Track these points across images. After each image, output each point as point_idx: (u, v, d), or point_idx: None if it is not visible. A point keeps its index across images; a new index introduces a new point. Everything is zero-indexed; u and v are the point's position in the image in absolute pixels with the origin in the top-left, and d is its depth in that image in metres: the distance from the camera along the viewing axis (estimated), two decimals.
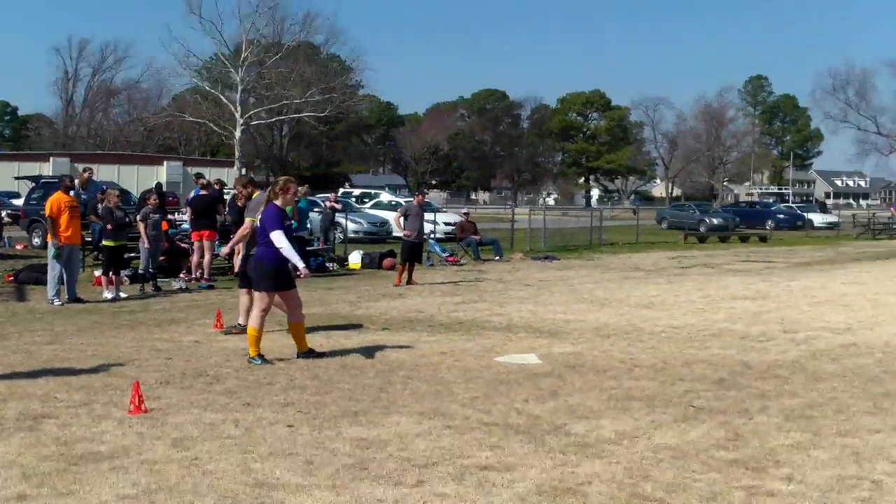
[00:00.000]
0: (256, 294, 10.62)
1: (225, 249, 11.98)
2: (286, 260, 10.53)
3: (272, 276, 10.47)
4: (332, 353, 11.00)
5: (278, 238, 10.32)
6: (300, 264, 10.57)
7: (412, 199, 22.20)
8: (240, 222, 20.64)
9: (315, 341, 11.96)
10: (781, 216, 57.61)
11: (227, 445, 6.92)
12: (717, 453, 6.81)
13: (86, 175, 23.06)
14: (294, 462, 6.50)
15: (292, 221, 11.21)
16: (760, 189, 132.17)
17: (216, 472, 6.26)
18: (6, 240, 28.26)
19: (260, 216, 10.67)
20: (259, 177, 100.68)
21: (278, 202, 10.63)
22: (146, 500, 5.66)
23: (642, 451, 6.87)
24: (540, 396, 8.75)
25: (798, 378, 9.75)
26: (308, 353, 10.75)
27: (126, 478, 6.11)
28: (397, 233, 21.65)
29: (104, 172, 55.49)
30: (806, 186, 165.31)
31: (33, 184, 33.42)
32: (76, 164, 47.77)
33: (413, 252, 20.31)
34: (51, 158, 62.42)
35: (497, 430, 7.43)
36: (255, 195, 12.93)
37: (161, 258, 19.75)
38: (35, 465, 6.37)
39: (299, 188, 23.78)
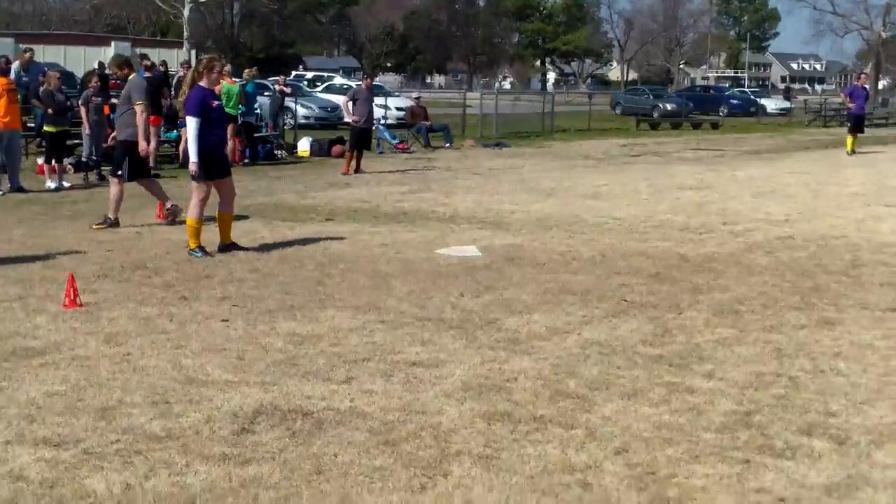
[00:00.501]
0: (193, 183, 10.48)
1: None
2: (220, 145, 10.42)
3: (205, 164, 10.30)
4: (274, 245, 11.01)
5: (190, 124, 10.16)
6: (193, 158, 10.21)
7: (361, 83, 21.84)
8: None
9: (258, 232, 12.00)
10: (735, 102, 57.64)
11: (161, 341, 6.96)
12: (644, 349, 6.96)
13: (27, 56, 22.54)
14: (226, 358, 6.56)
15: (220, 103, 10.97)
16: (717, 73, 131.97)
17: (147, 368, 6.31)
18: None
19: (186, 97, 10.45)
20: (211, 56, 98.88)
21: (203, 83, 10.39)
22: (74, 397, 5.71)
23: (570, 346, 7.00)
24: (476, 290, 8.84)
25: (732, 271, 9.91)
26: (229, 247, 10.64)
27: (56, 374, 6.15)
28: (348, 119, 21.44)
29: (49, 53, 54.16)
30: (762, 70, 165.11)
31: None
32: (20, 45, 46.59)
33: (361, 139, 20.10)
34: None
35: (430, 325, 7.53)
36: (130, 77, 12.57)
37: (105, 144, 19.48)
38: None
39: (248, 70, 23.61)
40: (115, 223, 12.17)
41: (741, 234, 12.45)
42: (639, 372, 6.40)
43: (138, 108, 11.90)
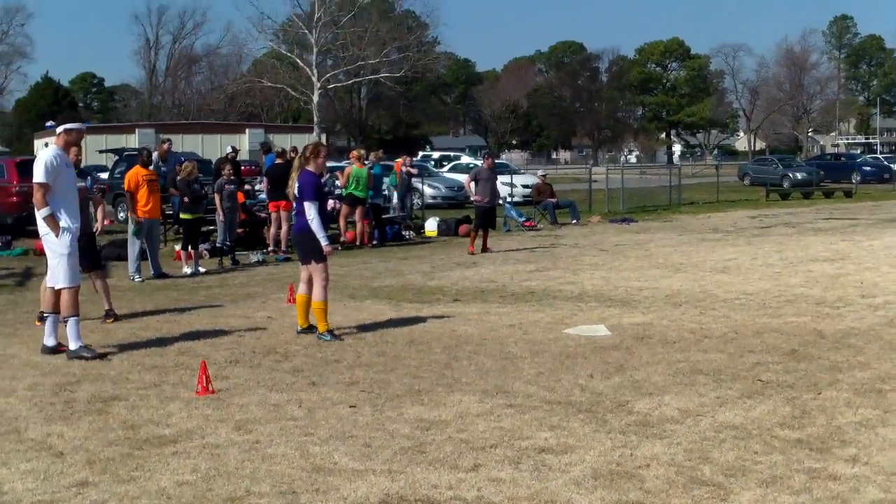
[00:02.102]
0: (315, 267, 10.60)
1: None
2: (325, 227, 10.59)
3: (319, 246, 10.48)
4: (401, 328, 11.04)
5: (310, 208, 10.36)
6: (324, 241, 10.43)
7: (483, 163, 21.93)
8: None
9: (385, 315, 12.06)
10: (868, 168, 56.07)
11: (289, 428, 7.00)
12: (782, 432, 6.69)
13: (165, 147, 23.36)
14: (353, 445, 6.55)
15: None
16: (847, 139, 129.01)
17: (275, 456, 6.34)
18: (93, 214, 28.84)
19: (298, 184, 10.64)
20: (340, 142, 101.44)
21: (310, 168, 10.62)
22: (204, 487, 5.76)
23: (704, 430, 6.78)
24: (605, 371, 8.68)
25: (872, 347, 9.52)
26: (307, 330, 10.74)
27: (187, 463, 6.22)
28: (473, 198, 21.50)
29: (188, 142, 56.32)
30: (894, 135, 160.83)
31: (116, 157, 34.00)
32: (161, 135, 48.52)
33: (486, 218, 20.17)
34: (136, 130, 63.41)
35: (559, 409, 7.40)
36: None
37: (239, 230, 20.03)
38: (100, 450, 6.52)
39: (374, 153, 24.01)
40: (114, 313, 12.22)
41: (881, 307, 11.98)
42: (777, 457, 6.14)
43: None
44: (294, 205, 11.03)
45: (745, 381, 8.23)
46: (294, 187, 10.68)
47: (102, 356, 9.53)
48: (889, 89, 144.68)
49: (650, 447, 6.40)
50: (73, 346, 9.59)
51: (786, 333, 10.34)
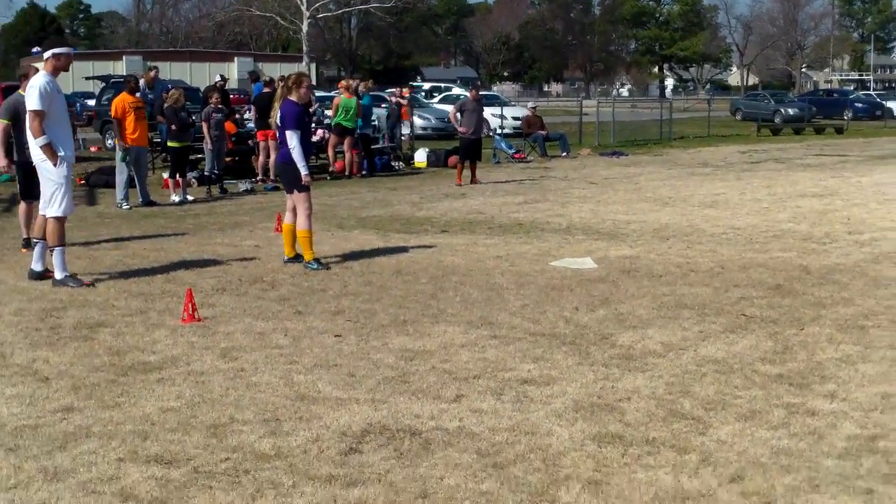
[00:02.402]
0: (298, 196, 10.57)
1: None
2: (308, 155, 10.54)
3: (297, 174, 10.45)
4: (388, 258, 11.05)
5: (291, 136, 10.30)
6: (304, 171, 10.40)
7: (467, 94, 21.68)
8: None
9: (373, 244, 12.06)
10: (860, 105, 55.92)
11: (274, 356, 7.02)
12: (763, 367, 6.74)
13: (152, 74, 23.13)
14: (337, 374, 6.58)
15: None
16: (840, 76, 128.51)
17: (260, 384, 6.37)
18: (80, 141, 28.67)
19: (279, 113, 10.56)
20: (330, 72, 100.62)
21: (293, 97, 10.53)
22: (188, 413, 5.79)
23: (686, 364, 6.82)
24: (591, 304, 8.72)
25: (857, 284, 9.56)
26: (294, 259, 10.75)
27: (172, 389, 6.24)
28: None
29: (176, 70, 55.84)
30: (889, 72, 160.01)
31: (103, 84, 33.68)
32: (148, 62, 48.03)
33: (471, 149, 20.04)
34: (123, 57, 62.83)
35: (542, 341, 7.43)
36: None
37: (228, 159, 19.91)
38: (85, 375, 6.54)
39: (364, 83, 23.83)
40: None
41: (867, 243, 12.02)
42: (757, 392, 6.19)
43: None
44: (277, 134, 10.97)
45: (728, 315, 8.27)
46: (276, 117, 10.61)
47: (88, 285, 9.51)
48: (883, 26, 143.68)
49: (632, 380, 6.44)
50: (58, 275, 9.55)
51: (771, 269, 10.37)
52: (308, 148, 10.70)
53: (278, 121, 10.53)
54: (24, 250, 11.46)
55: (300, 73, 10.96)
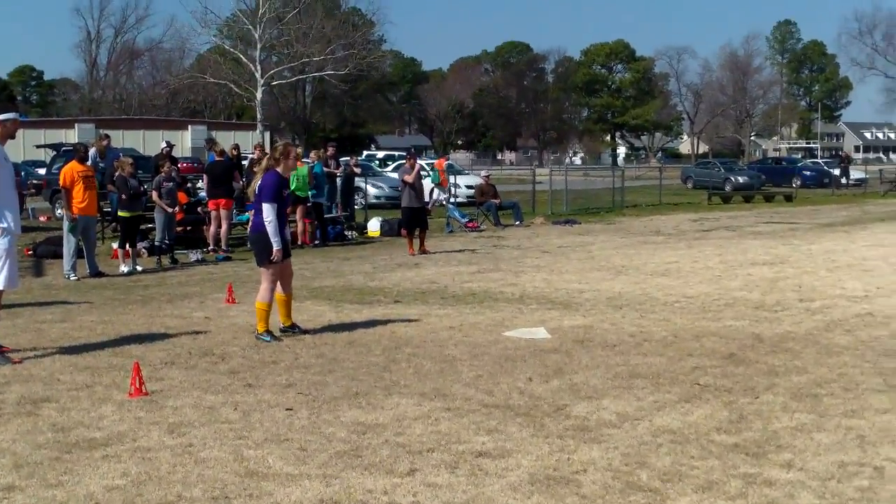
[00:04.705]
0: (264, 269, 10.45)
1: None
2: (283, 228, 10.42)
3: (270, 248, 10.29)
4: (341, 329, 10.95)
5: (268, 210, 10.18)
6: (276, 245, 10.23)
7: (405, 163, 21.53)
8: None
9: (324, 316, 11.95)
10: (808, 173, 56.89)
11: (223, 431, 6.87)
12: (719, 437, 6.70)
13: (103, 142, 22.94)
14: (288, 449, 6.44)
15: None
16: (788, 144, 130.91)
17: (208, 459, 6.22)
18: (29, 211, 28.37)
19: (260, 181, 10.45)
20: (284, 140, 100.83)
21: (279, 169, 10.45)
22: (134, 492, 5.62)
23: (642, 434, 6.77)
24: (545, 374, 8.66)
25: (809, 352, 9.60)
26: (291, 328, 10.66)
27: (117, 467, 6.07)
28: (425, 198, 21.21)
29: (129, 138, 55.66)
30: (835, 140, 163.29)
31: (54, 152, 33.44)
32: (101, 130, 47.83)
33: (413, 219, 19.91)
34: (76, 125, 62.50)
35: (497, 413, 7.35)
36: None
37: (179, 228, 19.75)
38: (28, 453, 6.35)
39: (315, 152, 23.84)
40: None
41: (818, 311, 12.10)
42: (714, 462, 6.14)
43: None
44: (251, 203, 10.82)
45: (683, 384, 8.25)
46: (255, 186, 10.50)
47: (17, 363, 9.15)
48: (830, 94, 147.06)
49: (587, 452, 6.37)
50: None
51: (725, 337, 10.39)
52: (283, 222, 10.56)
53: (256, 190, 10.43)
54: None
55: (287, 144, 10.91)
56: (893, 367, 8.90)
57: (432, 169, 28.70)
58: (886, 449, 6.41)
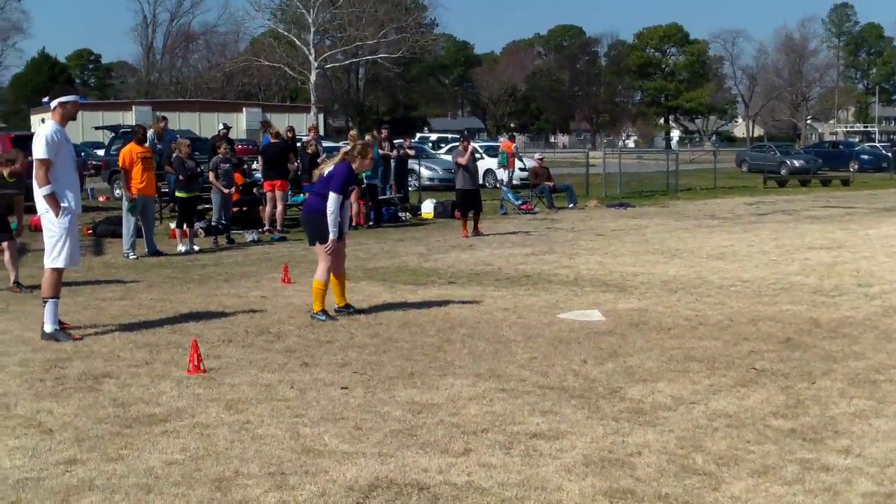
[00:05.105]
0: (318, 248, 10.54)
1: None
2: (343, 220, 10.51)
3: (325, 230, 10.39)
4: (395, 310, 11.00)
5: (334, 200, 10.27)
6: (332, 236, 10.32)
7: (459, 145, 21.54)
8: (311, 170, 20.82)
9: (380, 296, 12.01)
10: (866, 157, 55.97)
11: (280, 409, 6.95)
12: (775, 422, 6.65)
13: (161, 124, 23.25)
14: (343, 427, 6.50)
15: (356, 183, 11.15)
16: (845, 127, 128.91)
17: (265, 436, 6.29)
18: (89, 191, 28.78)
19: (332, 168, 10.55)
20: (338, 122, 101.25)
21: (354, 165, 10.57)
22: (192, 466, 5.71)
23: (697, 417, 6.74)
24: (599, 357, 8.64)
25: (868, 337, 9.48)
26: (346, 308, 10.74)
27: (176, 442, 6.17)
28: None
29: (185, 120, 56.33)
30: (893, 124, 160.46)
31: (112, 134, 33.86)
32: (158, 112, 48.34)
33: (468, 201, 19.96)
34: (133, 107, 63.32)
35: (551, 394, 7.36)
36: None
37: (236, 209, 19.94)
38: (89, 427, 6.48)
39: (371, 134, 23.93)
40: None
41: (877, 296, 11.94)
42: (770, 447, 6.10)
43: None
44: (308, 185, 10.94)
45: (739, 369, 8.20)
46: (325, 170, 10.61)
47: (78, 339, 9.29)
48: (888, 78, 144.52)
49: (642, 434, 6.36)
50: (48, 328, 9.32)
51: (781, 322, 10.30)
52: (344, 213, 10.68)
53: (325, 174, 10.53)
54: (15, 290, 12.38)
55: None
56: None
57: (500, 151, 28.96)
58: None
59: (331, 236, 10.33)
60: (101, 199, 27.97)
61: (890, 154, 53.94)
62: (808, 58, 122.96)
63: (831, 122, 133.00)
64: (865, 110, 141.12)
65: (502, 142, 29.37)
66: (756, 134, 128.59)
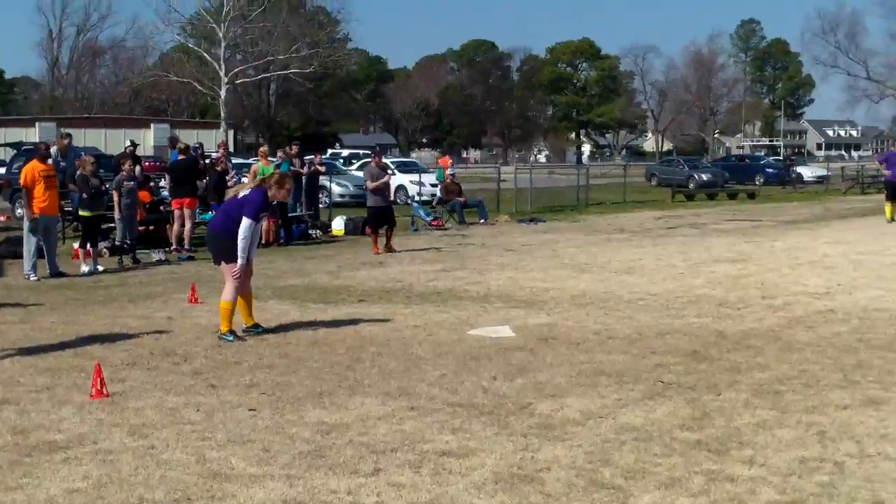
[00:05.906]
0: (225, 266, 10.40)
1: None
2: (251, 248, 10.43)
3: (233, 248, 10.27)
4: (305, 329, 10.90)
5: (247, 227, 10.17)
6: (240, 262, 10.21)
7: (370, 161, 21.46)
8: (219, 188, 20.55)
9: (289, 315, 11.89)
10: (771, 170, 57.30)
11: (186, 432, 6.82)
12: (681, 434, 6.73)
13: (65, 141, 22.70)
14: (251, 450, 6.41)
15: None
16: (752, 141, 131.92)
17: (170, 461, 6.17)
18: None
19: (248, 193, 10.45)
20: (249, 138, 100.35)
21: (270, 193, 10.46)
22: (95, 495, 5.57)
23: (605, 432, 6.79)
24: (509, 373, 8.66)
25: (771, 349, 9.67)
26: (255, 327, 10.63)
27: (78, 470, 6.02)
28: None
29: (91, 137, 55.14)
30: (798, 137, 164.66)
31: (14, 151, 33.07)
32: (62, 129, 47.38)
33: (379, 217, 19.95)
34: (36, 123, 61.89)
35: (461, 412, 7.35)
36: None
37: (141, 228, 19.58)
38: None
39: (281, 151, 23.77)
40: None
41: (780, 308, 12.20)
42: (676, 459, 6.17)
43: None
44: (217, 204, 10.82)
45: (646, 382, 8.29)
46: (241, 192, 10.50)
47: None
48: (793, 92, 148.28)
49: (551, 450, 6.38)
50: None
51: (688, 334, 10.45)
52: (255, 238, 10.58)
53: (239, 196, 10.40)
54: None
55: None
56: (854, 363, 8.98)
57: (437, 168, 29.21)
58: (846, 445, 6.47)
59: (238, 261, 10.20)
60: (1, 218, 27.27)
61: (782, 169, 55.27)
62: (716, 73, 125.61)
63: (738, 135, 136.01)
64: (771, 124, 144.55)
65: (437, 158, 29.55)
66: (665, 148, 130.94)
